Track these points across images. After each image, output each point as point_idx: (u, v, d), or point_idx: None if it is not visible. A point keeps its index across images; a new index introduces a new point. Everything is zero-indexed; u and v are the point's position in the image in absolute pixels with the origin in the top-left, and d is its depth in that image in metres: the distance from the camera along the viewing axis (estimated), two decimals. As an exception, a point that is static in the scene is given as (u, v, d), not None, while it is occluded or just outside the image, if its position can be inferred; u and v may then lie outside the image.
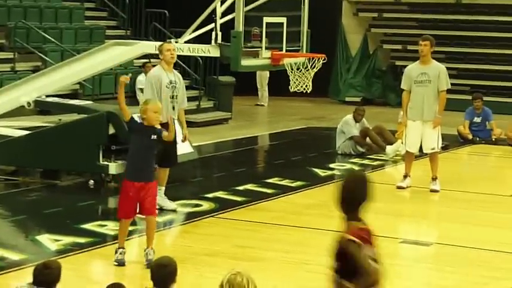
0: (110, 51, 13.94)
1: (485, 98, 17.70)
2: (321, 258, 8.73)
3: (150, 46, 14.26)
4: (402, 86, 12.34)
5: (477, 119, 16.92)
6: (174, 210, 10.52)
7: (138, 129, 8.52)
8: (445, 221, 10.55)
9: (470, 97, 17.61)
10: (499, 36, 22.50)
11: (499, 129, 16.65)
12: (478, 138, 16.69)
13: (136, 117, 8.72)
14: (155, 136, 8.48)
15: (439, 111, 12.12)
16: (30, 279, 5.78)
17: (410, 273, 8.59)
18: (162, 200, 10.52)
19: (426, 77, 11.97)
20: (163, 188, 10.58)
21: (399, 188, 12.18)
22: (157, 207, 10.23)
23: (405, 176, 12.31)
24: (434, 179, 12.19)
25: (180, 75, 10.81)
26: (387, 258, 9.11)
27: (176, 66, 19.45)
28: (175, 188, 11.47)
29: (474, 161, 15.83)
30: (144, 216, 8.58)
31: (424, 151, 12.47)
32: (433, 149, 12.20)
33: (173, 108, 10.47)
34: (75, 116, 12.99)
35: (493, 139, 16.64)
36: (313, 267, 8.45)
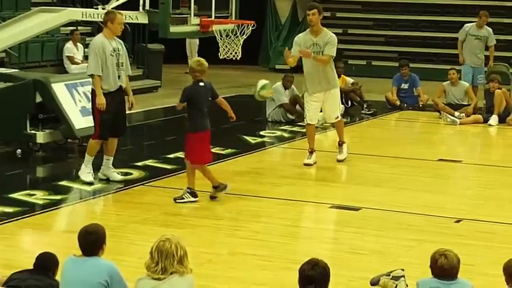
0: (36, 18, 13.73)
1: (412, 65, 17.91)
2: (253, 225, 8.82)
3: (76, 13, 14.08)
4: (293, 54, 11.68)
5: (405, 86, 17.12)
6: (120, 182, 10.42)
7: None
8: (374, 185, 10.68)
9: (397, 64, 17.79)
10: (426, 3, 22.74)
11: (426, 95, 16.88)
12: (405, 105, 16.90)
13: None
14: None
15: (316, 57, 11.39)
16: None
17: (338, 237, 8.70)
18: (108, 170, 10.44)
19: (318, 48, 11.48)
20: (112, 158, 10.48)
21: (307, 165, 11.57)
22: (86, 179, 10.25)
23: (311, 152, 11.71)
24: (340, 144, 11.87)
25: (122, 42, 10.51)
26: (316, 223, 9.29)
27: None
28: (105, 156, 11.38)
29: (402, 127, 16.05)
30: None
31: (328, 121, 12.37)
32: (337, 117, 11.85)
33: (119, 77, 10.22)
34: (1, 85, 12.75)
35: (420, 105, 16.87)
36: (245, 233, 8.52)
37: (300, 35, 11.95)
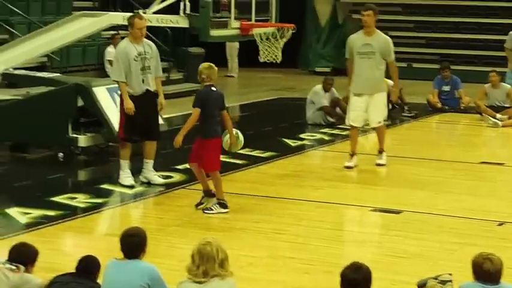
0: (77, 22, 13.84)
1: (454, 67, 17.77)
2: (294, 228, 8.79)
3: (117, 17, 14.18)
4: (346, 56, 11.76)
5: (446, 88, 16.99)
6: (161, 185, 10.44)
7: None
8: (415, 188, 10.60)
9: (439, 66, 17.66)
10: (468, 5, 22.57)
11: (468, 97, 16.74)
12: (447, 107, 16.77)
13: None
14: None
15: (395, 85, 11.76)
16: (3, 253, 5.77)
17: (380, 240, 8.65)
18: (149, 173, 10.47)
19: (370, 48, 11.43)
20: (151, 161, 10.51)
21: (347, 167, 11.53)
22: (126, 183, 10.28)
23: (352, 155, 11.67)
24: (380, 151, 11.82)
25: (152, 44, 10.50)
26: (357, 226, 9.24)
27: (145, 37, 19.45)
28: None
29: (443, 129, 15.93)
30: None
31: (371, 125, 12.05)
32: (379, 122, 11.78)
33: (143, 81, 10.25)
34: (43, 89, 12.89)
35: (462, 107, 16.73)
36: (285, 236, 8.49)
37: (351, 36, 11.87)
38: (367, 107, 11.64)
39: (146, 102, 10.28)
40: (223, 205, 9.28)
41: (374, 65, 11.49)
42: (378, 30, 11.69)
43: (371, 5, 11.74)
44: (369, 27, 11.52)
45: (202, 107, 9.18)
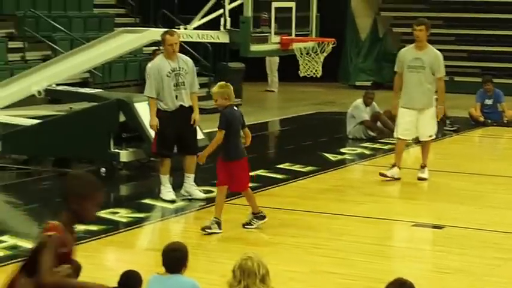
0: (119, 39, 13.98)
1: (496, 80, 17.63)
2: (333, 243, 8.77)
3: (158, 33, 14.25)
4: (396, 69, 11.73)
5: (488, 101, 16.87)
6: (202, 199, 10.46)
7: None
8: (457, 203, 10.53)
9: (480, 79, 17.54)
10: (509, 18, 22.40)
11: (511, 111, 16.59)
12: (489, 121, 16.64)
13: None
14: None
15: (440, 101, 11.68)
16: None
17: (422, 256, 8.59)
18: (190, 188, 10.51)
19: (420, 62, 11.39)
20: (192, 175, 10.54)
21: (382, 175, 11.56)
22: (167, 198, 10.32)
23: (393, 166, 11.62)
24: (423, 166, 11.72)
25: (188, 60, 10.53)
26: (399, 241, 9.19)
27: (185, 52, 19.55)
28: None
29: (486, 143, 15.80)
30: None
31: (421, 139, 11.92)
32: (430, 136, 11.75)
33: (176, 97, 10.29)
34: (85, 104, 13.02)
35: (505, 121, 16.59)
36: (326, 251, 8.47)
37: (402, 50, 11.85)
38: (416, 121, 11.59)
39: (180, 117, 10.32)
40: (260, 217, 9.30)
41: (423, 80, 11.43)
42: (430, 45, 11.65)
43: (424, 19, 11.75)
44: (421, 42, 11.49)
45: (228, 127, 9.14)
